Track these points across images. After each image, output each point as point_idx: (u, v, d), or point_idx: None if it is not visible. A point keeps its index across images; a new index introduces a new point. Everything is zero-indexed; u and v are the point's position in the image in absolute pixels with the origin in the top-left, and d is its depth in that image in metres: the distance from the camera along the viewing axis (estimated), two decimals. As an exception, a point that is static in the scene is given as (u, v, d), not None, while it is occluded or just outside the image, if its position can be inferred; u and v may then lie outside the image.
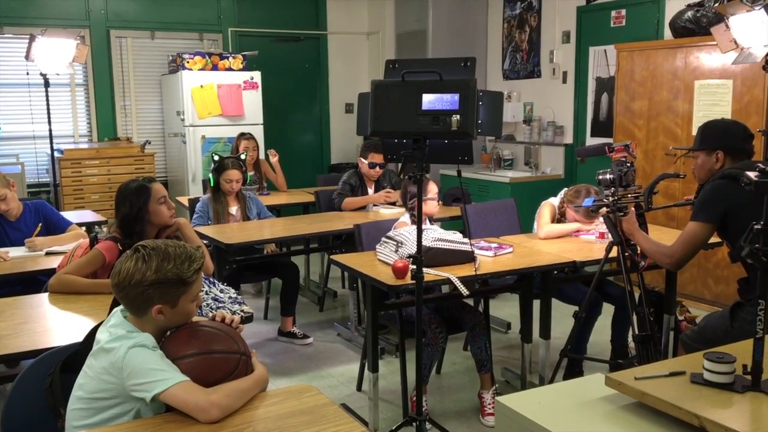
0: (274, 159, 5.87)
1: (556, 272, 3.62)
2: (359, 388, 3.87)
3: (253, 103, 6.82)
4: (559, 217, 3.97)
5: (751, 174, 1.78)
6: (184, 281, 1.82)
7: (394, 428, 3.07)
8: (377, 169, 4.94)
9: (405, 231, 3.35)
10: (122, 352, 1.73)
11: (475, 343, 3.55)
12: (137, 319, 1.85)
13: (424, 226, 2.96)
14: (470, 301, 3.96)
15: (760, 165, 1.84)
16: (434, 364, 3.64)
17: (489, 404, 3.51)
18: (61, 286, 2.87)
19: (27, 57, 5.58)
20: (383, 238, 3.43)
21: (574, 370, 3.81)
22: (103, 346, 1.77)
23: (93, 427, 1.76)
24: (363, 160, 4.95)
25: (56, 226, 3.87)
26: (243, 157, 4.91)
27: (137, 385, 1.71)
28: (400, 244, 3.25)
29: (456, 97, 2.46)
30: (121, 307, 1.88)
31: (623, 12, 6.06)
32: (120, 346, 1.74)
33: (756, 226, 1.78)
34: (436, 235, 3.24)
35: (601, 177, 3.24)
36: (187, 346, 1.81)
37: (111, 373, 1.73)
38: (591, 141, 6.40)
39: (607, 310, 3.89)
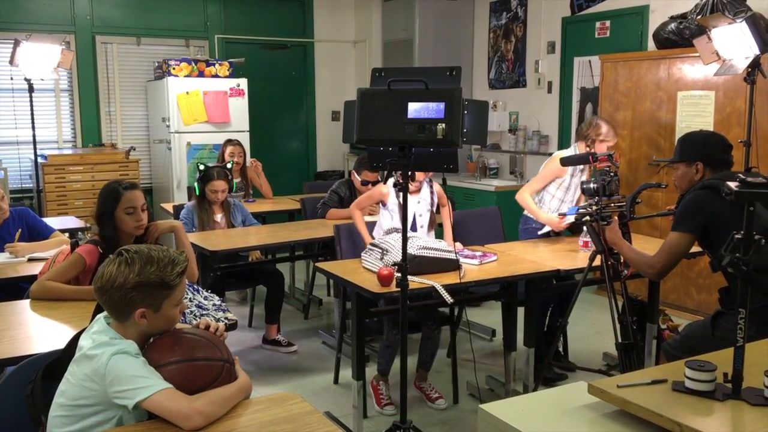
0: (257, 169, 5.82)
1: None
2: (336, 381, 4.04)
3: (239, 110, 6.81)
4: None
5: (732, 184, 1.81)
6: (167, 284, 1.81)
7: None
8: (369, 186, 4.91)
9: (390, 239, 3.36)
10: (105, 358, 1.72)
11: (425, 350, 3.79)
12: (120, 324, 1.83)
13: (410, 234, 2.98)
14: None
15: (740, 175, 1.86)
16: (393, 360, 3.71)
17: (431, 390, 3.79)
18: (43, 293, 2.84)
19: (11, 62, 5.54)
20: (369, 246, 3.44)
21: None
22: (85, 352, 1.76)
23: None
24: (357, 175, 4.92)
25: (39, 234, 3.83)
26: (229, 165, 4.90)
27: (119, 392, 1.69)
28: (385, 252, 3.25)
29: (441, 105, 2.47)
30: (104, 313, 1.87)
31: (608, 23, 6.13)
32: (103, 353, 1.73)
33: (736, 236, 1.80)
34: (421, 243, 3.25)
35: (585, 186, 3.27)
36: (170, 353, 1.81)
37: (93, 380, 1.72)
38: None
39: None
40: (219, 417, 1.74)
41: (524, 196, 4.09)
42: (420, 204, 3.79)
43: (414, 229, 3.73)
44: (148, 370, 1.74)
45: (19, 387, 1.92)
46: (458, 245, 3.68)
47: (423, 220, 3.80)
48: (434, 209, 3.89)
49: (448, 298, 3.07)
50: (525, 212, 4.22)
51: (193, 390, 1.75)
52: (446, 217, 3.94)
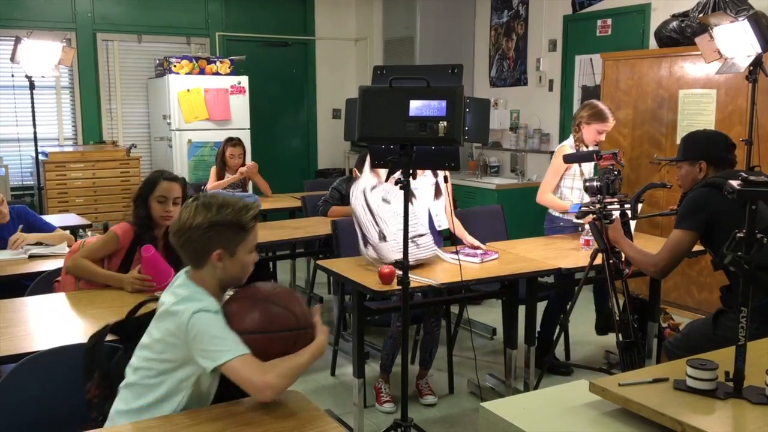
0: (253, 170, 5.61)
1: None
2: (333, 373, 4.10)
3: (240, 108, 6.81)
4: (578, 146, 4.03)
5: (734, 182, 1.80)
6: (242, 226, 1.87)
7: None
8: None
9: (387, 214, 3.33)
10: (187, 315, 1.76)
11: (425, 346, 3.78)
12: (198, 272, 1.88)
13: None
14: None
15: (742, 174, 1.86)
16: (396, 355, 3.69)
17: (425, 387, 3.79)
18: (77, 270, 2.90)
19: (12, 59, 5.54)
20: (364, 204, 3.40)
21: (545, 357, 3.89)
22: (168, 308, 1.80)
23: (158, 387, 1.80)
24: (358, 172, 4.90)
25: (40, 231, 3.83)
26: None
27: (200, 350, 1.74)
28: (380, 221, 3.27)
29: (443, 103, 2.47)
30: (186, 268, 1.91)
31: (609, 21, 6.12)
32: (185, 310, 1.77)
33: (738, 235, 1.80)
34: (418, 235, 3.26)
35: (588, 184, 3.27)
36: (248, 319, 1.82)
37: (176, 335, 1.77)
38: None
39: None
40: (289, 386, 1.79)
41: (544, 197, 4.11)
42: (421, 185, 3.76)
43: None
44: (227, 332, 1.77)
45: (19, 385, 1.92)
46: (470, 239, 3.71)
47: (424, 193, 3.76)
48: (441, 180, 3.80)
49: (434, 283, 3.06)
50: (549, 211, 4.21)
51: (269, 358, 1.77)
52: (447, 201, 3.89)
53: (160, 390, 1.80)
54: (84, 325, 2.56)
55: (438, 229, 3.77)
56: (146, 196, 2.99)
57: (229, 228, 1.85)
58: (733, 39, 4.07)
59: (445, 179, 3.66)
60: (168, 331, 1.78)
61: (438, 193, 3.73)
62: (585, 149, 3.95)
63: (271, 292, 1.90)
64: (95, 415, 1.88)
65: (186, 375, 1.80)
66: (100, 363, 1.92)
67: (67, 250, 3.56)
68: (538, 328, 3.90)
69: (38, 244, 3.62)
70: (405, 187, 2.67)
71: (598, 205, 3.17)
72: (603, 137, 4.05)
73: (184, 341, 1.75)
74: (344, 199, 4.91)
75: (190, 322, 1.75)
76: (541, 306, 3.77)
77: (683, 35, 5.08)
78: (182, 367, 1.79)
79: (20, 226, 3.73)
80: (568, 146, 4.09)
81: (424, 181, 3.71)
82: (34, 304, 2.78)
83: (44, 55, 5.49)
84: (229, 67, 6.81)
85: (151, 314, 1.89)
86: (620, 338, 3.14)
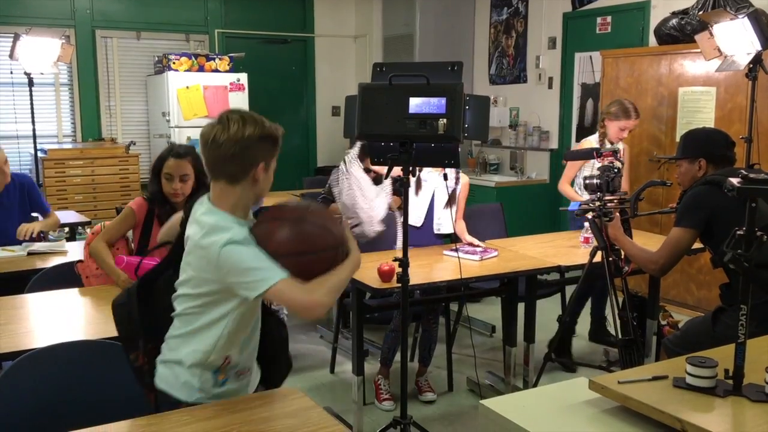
0: None
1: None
2: (332, 370, 4.11)
3: (239, 105, 6.79)
4: (602, 141, 4.10)
5: (734, 180, 1.80)
6: (277, 140, 1.86)
7: (378, 431, 3.07)
8: (371, 174, 4.86)
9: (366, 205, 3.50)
10: (215, 251, 1.72)
11: (423, 343, 3.79)
12: (226, 193, 1.82)
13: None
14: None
15: (742, 171, 1.86)
16: (397, 349, 3.67)
17: (424, 384, 3.79)
18: (95, 255, 2.96)
19: (11, 56, 5.53)
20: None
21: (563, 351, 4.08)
22: (197, 242, 1.77)
23: (203, 315, 1.81)
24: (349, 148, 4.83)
25: (39, 209, 3.87)
26: None
27: (238, 283, 1.73)
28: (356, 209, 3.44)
29: (443, 101, 2.46)
30: (206, 194, 1.87)
31: (609, 19, 6.11)
32: (212, 244, 1.73)
33: (738, 232, 1.80)
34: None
35: (588, 182, 3.27)
36: (285, 242, 1.78)
37: (208, 271, 1.76)
38: (576, 146, 6.42)
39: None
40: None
41: (563, 188, 4.26)
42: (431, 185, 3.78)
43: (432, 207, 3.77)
44: (261, 259, 1.73)
45: (18, 383, 1.92)
46: (468, 237, 3.71)
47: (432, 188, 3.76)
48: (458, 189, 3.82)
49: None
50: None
51: (311, 278, 1.77)
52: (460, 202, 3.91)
53: (206, 318, 1.81)
54: (83, 323, 2.56)
55: (436, 232, 3.76)
56: (157, 172, 3.07)
57: (271, 140, 1.84)
58: (733, 36, 4.07)
59: (456, 181, 3.72)
60: (200, 267, 1.77)
61: (450, 201, 3.73)
62: (609, 145, 4.04)
63: (306, 212, 1.88)
64: (148, 380, 1.88)
65: (229, 305, 1.79)
66: (139, 328, 1.90)
67: (66, 248, 3.57)
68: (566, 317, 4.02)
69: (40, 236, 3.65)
70: (405, 184, 2.67)
71: (597, 203, 3.17)
72: (626, 134, 4.11)
73: (218, 277, 1.74)
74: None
75: (220, 258, 1.71)
76: (540, 305, 3.76)
77: (683, 33, 5.07)
78: (224, 298, 1.78)
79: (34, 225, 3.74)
80: (593, 141, 4.14)
81: (435, 179, 3.71)
82: (33, 302, 2.77)
83: (43, 52, 5.48)
84: (229, 64, 6.80)
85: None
86: (620, 336, 3.14)
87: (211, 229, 1.76)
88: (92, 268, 3.00)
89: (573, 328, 4.25)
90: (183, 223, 1.90)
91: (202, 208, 1.84)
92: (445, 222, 3.75)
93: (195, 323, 1.82)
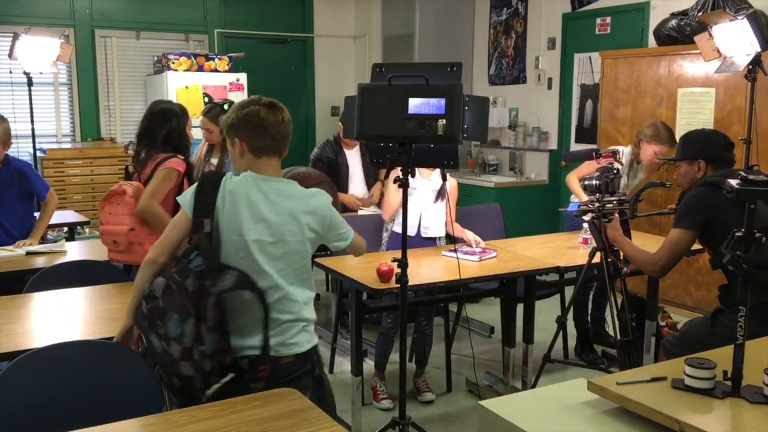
0: None
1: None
2: (331, 371, 4.14)
3: (238, 105, 6.79)
4: (633, 158, 4.17)
5: (733, 182, 1.80)
6: None
7: (377, 432, 3.07)
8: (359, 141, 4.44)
9: None
10: (323, 202, 2.06)
11: (418, 345, 3.81)
12: (278, 167, 2.16)
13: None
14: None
15: (741, 173, 1.86)
16: (389, 352, 3.72)
17: (422, 384, 3.79)
18: (150, 216, 2.97)
19: (10, 55, 5.52)
20: None
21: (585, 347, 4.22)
22: (310, 206, 2.04)
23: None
24: (342, 125, 4.48)
25: (36, 194, 3.79)
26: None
27: (336, 235, 2.08)
28: None
29: (442, 101, 2.46)
30: (260, 177, 2.08)
31: (608, 19, 6.11)
32: (320, 204, 2.06)
33: (737, 234, 1.80)
34: None
35: (587, 183, 3.27)
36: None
37: (317, 230, 2.04)
38: (575, 147, 6.43)
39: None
40: None
41: (571, 181, 4.27)
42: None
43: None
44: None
45: (16, 382, 1.92)
46: (469, 235, 3.71)
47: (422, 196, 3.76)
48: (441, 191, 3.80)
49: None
50: (569, 209, 4.24)
51: None
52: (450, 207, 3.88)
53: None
54: (82, 323, 2.56)
55: (423, 236, 3.75)
56: (185, 125, 3.25)
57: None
58: (733, 38, 4.07)
59: (444, 177, 3.67)
60: (311, 229, 2.02)
61: (440, 196, 3.72)
62: (637, 165, 4.16)
63: (323, 177, 2.39)
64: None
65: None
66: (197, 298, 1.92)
67: (66, 248, 3.57)
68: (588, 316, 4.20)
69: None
70: (404, 184, 2.67)
71: (597, 204, 3.17)
72: (657, 159, 4.13)
73: (324, 233, 2.05)
74: (332, 164, 4.73)
75: (332, 215, 2.05)
76: (539, 305, 3.77)
77: (682, 34, 5.07)
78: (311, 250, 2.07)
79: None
80: (626, 152, 4.16)
81: (425, 185, 3.71)
82: (32, 301, 2.77)
83: (42, 52, 5.47)
84: (228, 64, 6.80)
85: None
86: (618, 337, 3.14)
87: (306, 194, 2.06)
88: (146, 233, 2.96)
89: (601, 324, 4.31)
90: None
91: (274, 184, 2.06)
92: (432, 225, 3.75)
93: (310, 282, 2.09)
